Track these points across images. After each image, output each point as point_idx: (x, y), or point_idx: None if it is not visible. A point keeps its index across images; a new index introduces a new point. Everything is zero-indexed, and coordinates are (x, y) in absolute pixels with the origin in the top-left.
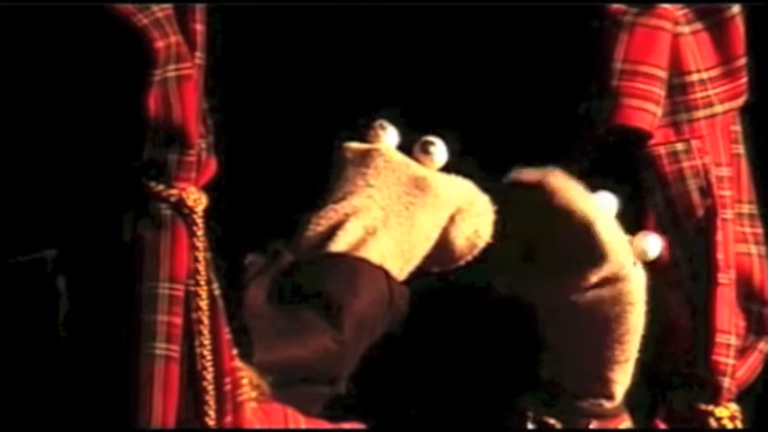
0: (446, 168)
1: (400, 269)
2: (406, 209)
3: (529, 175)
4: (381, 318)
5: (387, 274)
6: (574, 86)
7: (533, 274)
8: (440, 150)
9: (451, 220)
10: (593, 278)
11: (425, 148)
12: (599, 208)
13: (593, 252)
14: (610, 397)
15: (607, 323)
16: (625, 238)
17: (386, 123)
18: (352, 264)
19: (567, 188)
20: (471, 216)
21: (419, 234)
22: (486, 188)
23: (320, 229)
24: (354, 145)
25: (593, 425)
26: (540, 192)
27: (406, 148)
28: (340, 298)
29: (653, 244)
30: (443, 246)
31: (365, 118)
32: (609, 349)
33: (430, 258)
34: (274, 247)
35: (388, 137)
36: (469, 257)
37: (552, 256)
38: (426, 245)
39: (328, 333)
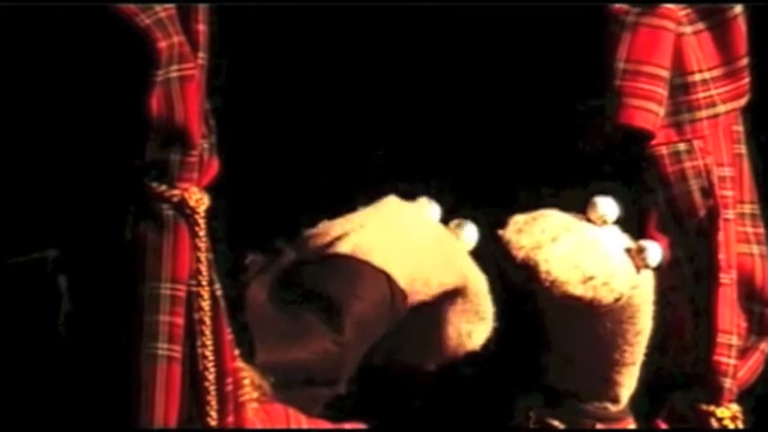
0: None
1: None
2: (418, 246)
3: (518, 247)
4: (382, 320)
5: (389, 276)
6: (577, 87)
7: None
8: (470, 232)
9: (452, 303)
10: (604, 308)
11: (456, 229)
12: (595, 267)
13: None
14: (615, 400)
15: (618, 325)
16: (626, 262)
17: (428, 199)
18: (354, 265)
19: (558, 274)
20: (472, 315)
21: (421, 273)
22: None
23: (327, 231)
24: None
25: (599, 427)
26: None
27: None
28: (341, 300)
29: (653, 253)
30: (435, 335)
31: (369, 122)
32: (618, 351)
33: (415, 350)
34: (277, 245)
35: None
36: (453, 358)
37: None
38: (423, 289)
39: (328, 335)
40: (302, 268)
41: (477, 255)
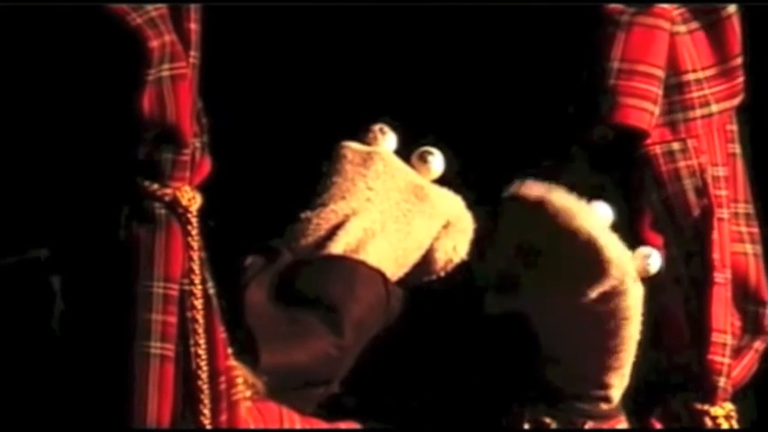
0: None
1: (393, 274)
2: (404, 216)
3: (530, 190)
4: (378, 320)
5: (383, 276)
6: (572, 86)
7: (532, 282)
8: (437, 161)
9: (437, 235)
10: (593, 293)
11: (424, 158)
12: (603, 226)
13: (594, 267)
14: (607, 399)
15: (603, 334)
16: (628, 254)
17: (386, 128)
18: (351, 266)
19: (571, 206)
20: (455, 231)
21: (413, 242)
22: (479, 202)
23: (320, 229)
24: (354, 145)
25: (589, 425)
26: (543, 209)
27: (399, 153)
28: (340, 302)
29: (654, 260)
30: (422, 258)
31: (362, 120)
32: (605, 357)
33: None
34: (274, 245)
35: (387, 141)
36: (442, 273)
37: (553, 269)
38: (418, 253)
39: (329, 338)
40: (299, 269)
41: (445, 181)
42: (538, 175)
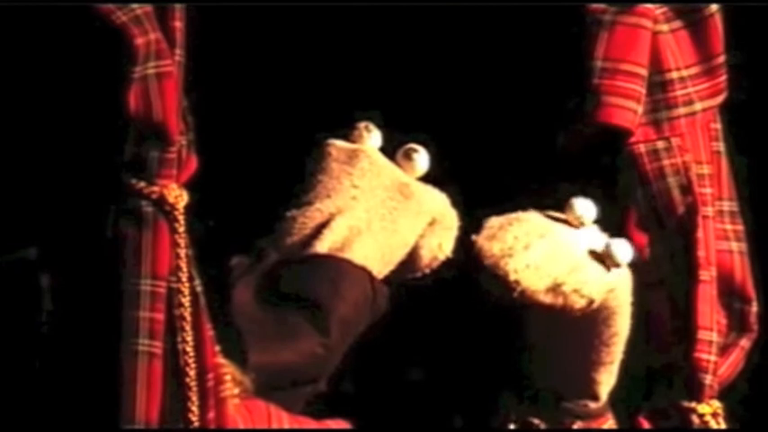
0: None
1: (379, 271)
2: (390, 213)
3: (488, 256)
4: (364, 318)
5: (370, 274)
6: (556, 85)
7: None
8: (422, 158)
9: (421, 232)
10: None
11: (409, 155)
12: (561, 270)
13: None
14: (594, 397)
15: (594, 326)
16: (600, 265)
17: (371, 125)
18: (336, 265)
19: (529, 280)
20: (440, 229)
21: (399, 239)
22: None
23: (305, 228)
24: (339, 143)
25: (577, 425)
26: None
27: (384, 150)
28: (326, 302)
29: (624, 251)
30: (408, 255)
31: (347, 118)
32: (595, 351)
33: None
34: (259, 245)
35: (373, 139)
36: (428, 271)
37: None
38: (404, 250)
39: (316, 338)
40: (285, 269)
41: (431, 179)
42: (521, 177)
